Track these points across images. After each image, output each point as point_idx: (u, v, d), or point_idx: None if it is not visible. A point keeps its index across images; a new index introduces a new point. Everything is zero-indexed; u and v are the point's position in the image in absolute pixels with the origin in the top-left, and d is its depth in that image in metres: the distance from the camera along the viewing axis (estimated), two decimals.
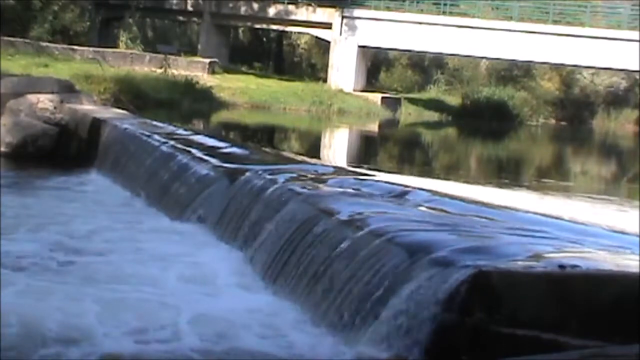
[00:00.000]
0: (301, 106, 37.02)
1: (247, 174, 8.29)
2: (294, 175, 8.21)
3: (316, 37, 45.05)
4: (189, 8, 45.18)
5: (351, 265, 5.43)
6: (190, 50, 44.03)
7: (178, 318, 5.48)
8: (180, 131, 12.88)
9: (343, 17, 41.58)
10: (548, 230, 5.85)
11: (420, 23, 40.44)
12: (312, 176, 8.35)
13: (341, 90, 40.02)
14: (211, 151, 10.25)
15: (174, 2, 45.11)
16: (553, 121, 52.15)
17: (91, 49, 35.63)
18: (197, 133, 13.50)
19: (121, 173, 11.34)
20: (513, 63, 46.88)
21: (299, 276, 5.96)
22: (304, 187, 7.42)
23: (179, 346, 5.09)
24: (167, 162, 10.09)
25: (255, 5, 43.29)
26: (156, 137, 11.35)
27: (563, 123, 52.21)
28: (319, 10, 41.84)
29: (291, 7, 42.37)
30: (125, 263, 6.96)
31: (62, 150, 13.25)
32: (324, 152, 23.04)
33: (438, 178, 17.11)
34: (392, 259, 5.12)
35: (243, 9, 43.71)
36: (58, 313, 5.40)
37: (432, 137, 35.20)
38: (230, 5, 43.75)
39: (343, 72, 41.41)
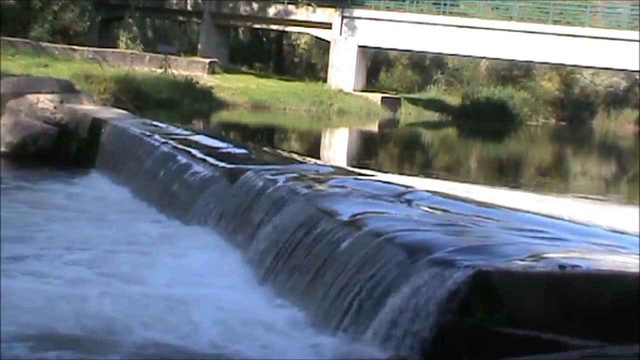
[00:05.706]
0: (301, 106, 36.99)
1: (248, 174, 8.29)
2: (294, 175, 8.21)
3: (316, 37, 44.99)
4: (189, 8, 45.12)
5: (351, 265, 5.43)
6: (190, 50, 43.99)
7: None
8: (181, 131, 12.87)
9: (343, 17, 41.53)
10: (548, 230, 5.85)
11: (420, 23, 40.38)
12: (312, 176, 8.35)
13: (341, 90, 39.97)
14: (211, 151, 10.25)
15: (174, 2, 45.07)
16: (553, 121, 52.09)
17: (91, 49, 35.57)
18: (197, 133, 13.49)
19: (121, 173, 11.34)
20: (513, 63, 46.80)
21: (298, 276, 5.95)
22: (304, 187, 7.42)
23: None
24: (167, 162, 10.09)
25: (255, 5, 43.24)
26: (156, 137, 11.34)
27: (563, 123, 52.15)
28: (319, 10, 41.79)
29: (291, 7, 42.31)
30: (125, 265, 6.96)
31: (62, 150, 13.24)
32: (324, 152, 23.02)
33: (438, 178, 17.10)
34: (392, 259, 5.12)
35: (243, 9, 43.65)
36: None
37: (432, 137, 35.16)
38: (230, 5, 43.70)
39: (343, 72, 41.36)
